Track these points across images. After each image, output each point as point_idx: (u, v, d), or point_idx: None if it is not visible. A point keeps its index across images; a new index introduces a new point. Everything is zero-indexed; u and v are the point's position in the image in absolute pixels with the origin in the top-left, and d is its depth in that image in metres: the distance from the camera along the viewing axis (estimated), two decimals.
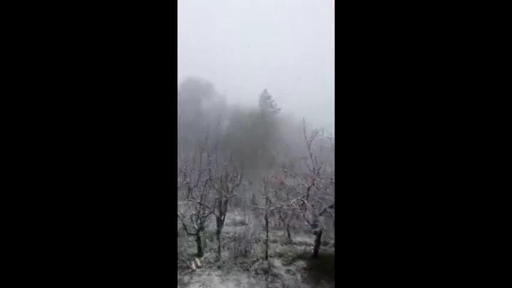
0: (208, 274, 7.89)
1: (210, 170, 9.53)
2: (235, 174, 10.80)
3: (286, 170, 10.16)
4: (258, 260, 8.53)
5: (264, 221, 9.50)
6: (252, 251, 8.98)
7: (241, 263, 8.34)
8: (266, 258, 8.60)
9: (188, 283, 7.49)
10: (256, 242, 9.48)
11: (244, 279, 7.64)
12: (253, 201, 12.12)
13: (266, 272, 7.90)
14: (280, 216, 10.57)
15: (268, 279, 7.60)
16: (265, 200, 9.65)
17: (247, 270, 8.04)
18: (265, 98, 31.00)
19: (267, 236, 9.13)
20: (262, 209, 9.59)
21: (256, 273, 7.85)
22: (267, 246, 8.88)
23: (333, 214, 8.13)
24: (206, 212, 9.14)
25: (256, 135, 24.31)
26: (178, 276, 7.73)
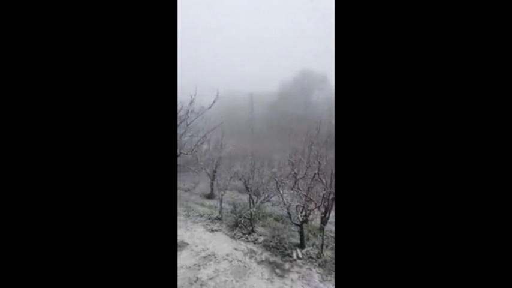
0: (309, 268, 7.76)
1: (319, 163, 9.21)
2: None
3: None
4: None
5: None
6: None
7: None
8: None
9: (289, 270, 7.66)
10: None
11: None
12: None
13: None
14: None
15: None
16: None
17: None
18: None
19: None
20: None
21: None
22: None
23: None
24: (311, 205, 8.96)
25: None
26: (280, 261, 8.05)
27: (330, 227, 10.38)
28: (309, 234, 9.45)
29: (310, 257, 8.24)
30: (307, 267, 7.82)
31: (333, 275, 7.40)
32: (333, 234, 9.48)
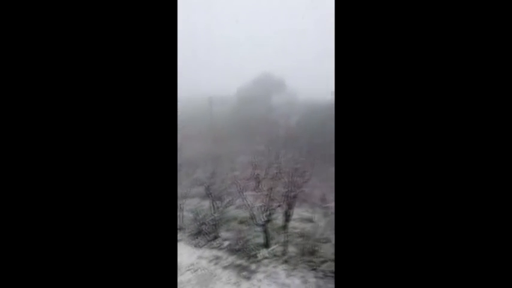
0: (274, 266, 7.88)
1: (279, 163, 9.47)
2: (305, 170, 10.41)
3: None
4: (327, 261, 8.00)
5: (334, 222, 8.84)
6: (321, 250, 8.50)
7: (308, 261, 8.00)
8: None
9: (255, 271, 7.67)
10: (325, 242, 8.92)
11: (311, 278, 7.29)
12: (323, 200, 11.47)
13: None
14: None
15: None
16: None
17: (315, 269, 7.64)
18: None
19: None
20: (332, 209, 8.93)
21: (325, 275, 7.37)
22: None
23: None
24: (274, 204, 9.14)
25: (328, 130, 22.95)
26: (246, 263, 8.02)
27: (293, 223, 10.71)
28: (274, 233, 9.61)
29: (276, 255, 8.38)
30: (273, 265, 7.93)
31: (298, 270, 7.63)
32: (296, 230, 9.79)
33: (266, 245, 8.88)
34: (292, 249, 8.67)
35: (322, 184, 11.77)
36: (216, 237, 9.63)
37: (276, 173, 9.24)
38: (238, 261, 8.19)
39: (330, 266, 7.75)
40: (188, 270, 7.79)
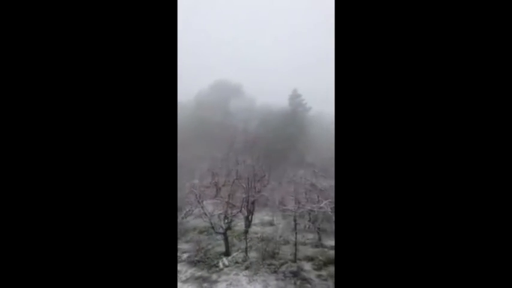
0: (236, 274, 7.82)
1: (237, 170, 9.52)
2: (264, 175, 10.66)
3: (316, 170, 9.72)
4: (286, 262, 8.25)
5: (293, 223, 9.19)
6: (280, 252, 8.73)
7: (269, 265, 8.14)
8: (295, 261, 8.28)
9: (216, 281, 7.51)
10: (284, 243, 9.20)
11: (272, 281, 7.43)
12: (282, 203, 11.87)
13: (295, 275, 7.59)
14: (310, 219, 10.14)
15: (298, 283, 7.28)
16: (293, 201, 9.33)
17: (275, 272, 7.81)
18: (295, 97, 30.43)
19: (296, 238, 8.80)
20: (291, 211, 9.29)
21: (285, 276, 7.58)
22: (296, 248, 8.55)
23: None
24: (234, 211, 9.13)
25: (286, 134, 23.89)
26: (206, 274, 7.80)
27: (255, 228, 10.82)
28: (234, 240, 9.56)
29: (237, 262, 8.33)
30: (234, 273, 7.86)
31: (259, 274, 7.71)
32: (257, 235, 9.90)
33: (227, 253, 8.78)
34: (253, 255, 8.73)
35: (281, 187, 12.20)
36: None
37: (235, 179, 9.26)
38: (199, 273, 7.92)
39: (289, 266, 8.02)
40: None
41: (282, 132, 24.01)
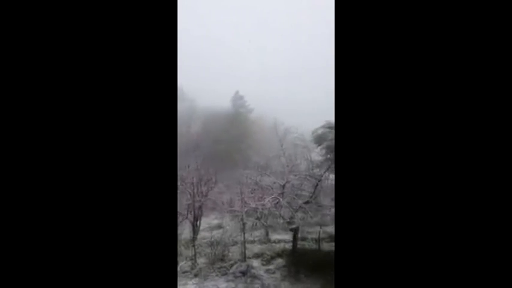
0: (184, 284, 7.54)
1: (181, 175, 9.16)
2: (210, 178, 10.53)
3: (260, 169, 10.10)
4: (236, 262, 8.36)
5: (241, 223, 9.36)
6: (229, 254, 8.79)
7: (219, 268, 8.12)
8: (244, 259, 8.47)
9: None
10: (233, 244, 9.30)
11: (222, 283, 7.44)
12: (230, 204, 11.92)
13: (245, 273, 7.76)
14: (257, 217, 10.49)
15: (248, 281, 7.47)
16: (240, 201, 9.51)
17: (226, 274, 7.84)
18: (238, 98, 30.88)
19: (244, 237, 9.00)
20: (238, 211, 9.44)
21: (235, 277, 7.68)
22: (245, 247, 8.75)
23: (308, 210, 8.26)
24: (180, 218, 8.77)
25: (230, 136, 24.05)
26: None
27: (203, 233, 10.58)
28: (182, 248, 9.19)
29: (185, 271, 8.04)
30: (183, 282, 7.56)
31: (208, 281, 7.61)
32: (205, 240, 9.71)
33: None
34: (202, 261, 8.56)
35: (228, 189, 12.25)
36: None
37: (179, 184, 8.88)
38: None
39: (239, 266, 8.16)
40: None
41: (225, 133, 24.08)
